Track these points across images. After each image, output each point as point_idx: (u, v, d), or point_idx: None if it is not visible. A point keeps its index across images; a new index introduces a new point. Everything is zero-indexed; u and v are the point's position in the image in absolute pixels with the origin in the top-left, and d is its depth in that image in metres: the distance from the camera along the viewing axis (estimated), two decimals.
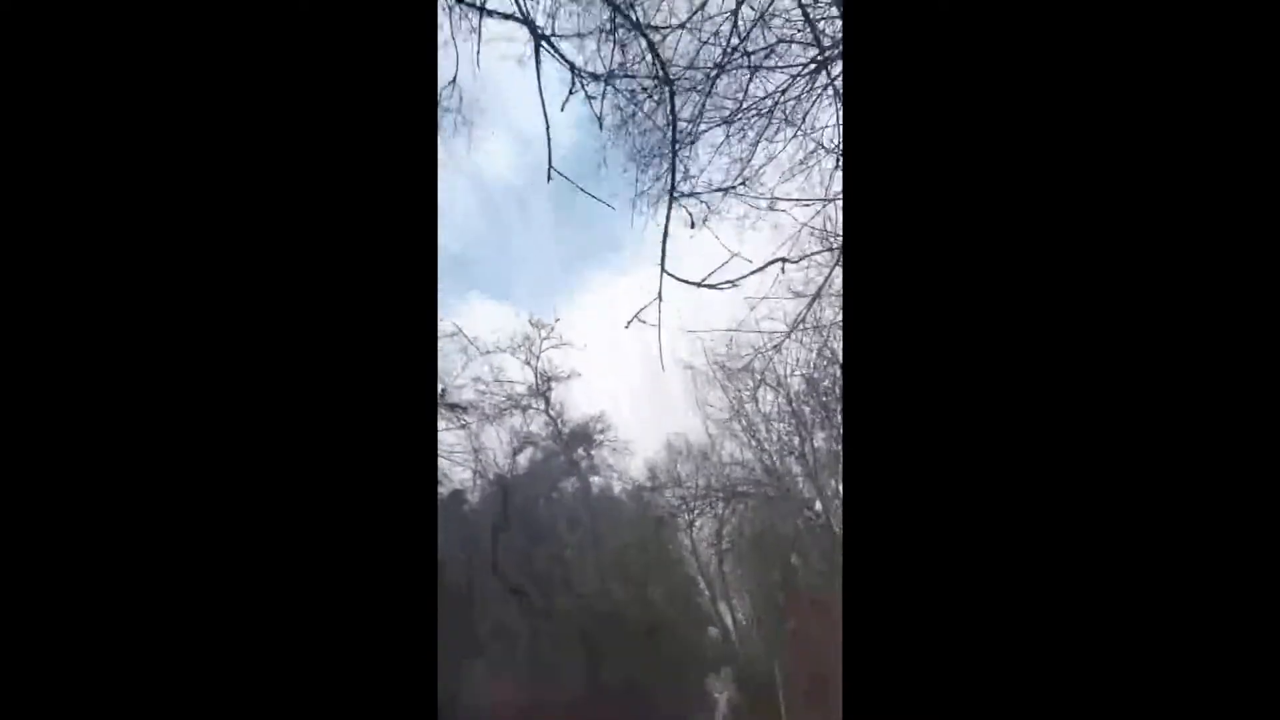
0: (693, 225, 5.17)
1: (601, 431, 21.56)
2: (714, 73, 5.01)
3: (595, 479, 22.15)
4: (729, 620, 23.09)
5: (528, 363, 21.44)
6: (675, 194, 5.04)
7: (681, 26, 4.71)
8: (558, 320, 20.31)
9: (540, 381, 21.03)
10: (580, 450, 21.48)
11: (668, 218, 4.95)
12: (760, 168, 5.64)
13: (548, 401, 21.25)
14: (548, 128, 4.43)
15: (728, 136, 5.41)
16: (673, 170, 4.93)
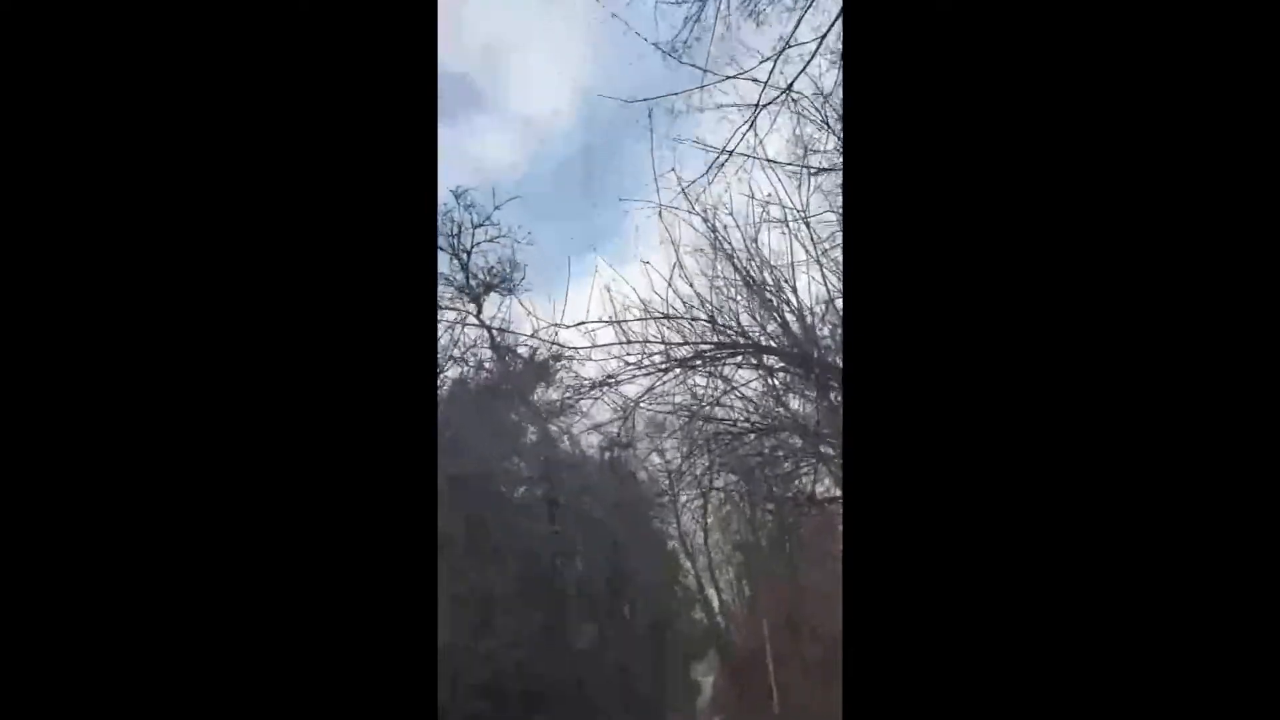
0: None
1: (564, 367, 16.64)
2: None
3: (553, 428, 16.44)
4: (715, 602, 21.90)
5: (454, 255, 14.95)
6: None
7: None
8: (498, 208, 14.27)
9: (474, 284, 14.96)
10: (538, 388, 15.57)
11: None
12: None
13: (479, 306, 15.39)
14: None
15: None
16: None
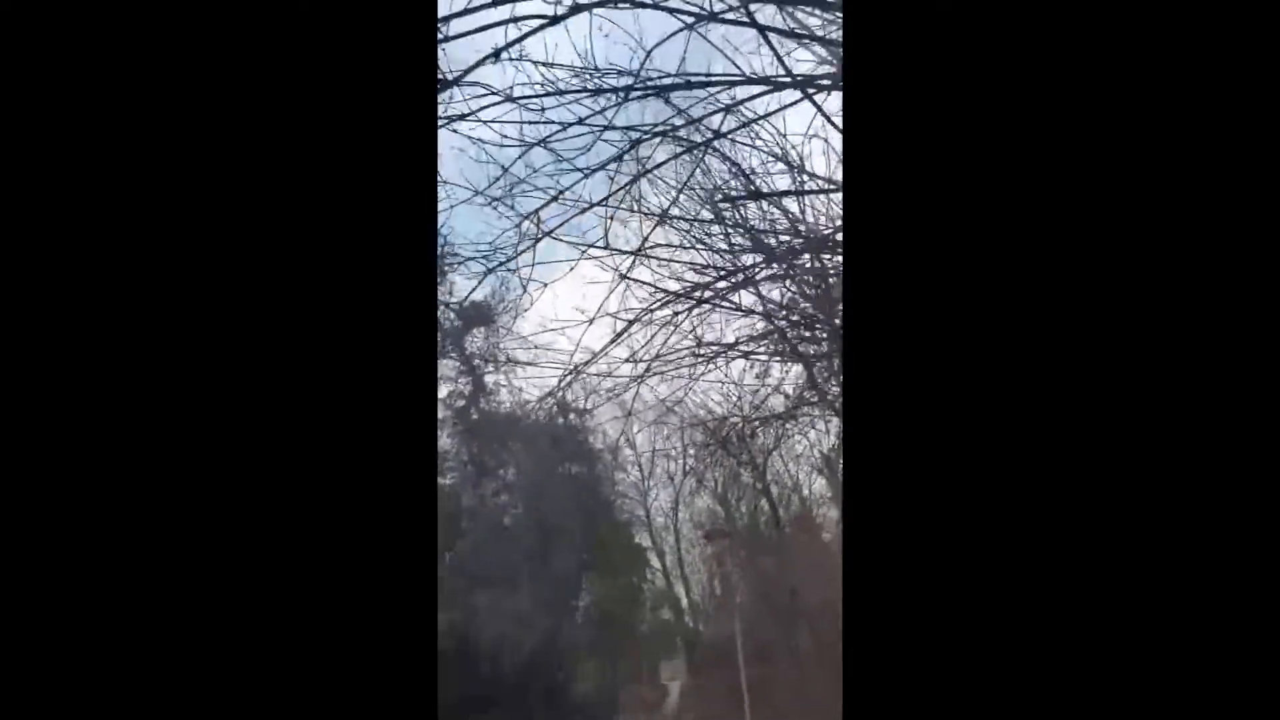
0: None
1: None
2: None
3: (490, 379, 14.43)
4: (684, 599, 19.67)
5: None
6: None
7: None
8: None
9: None
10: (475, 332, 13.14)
11: None
12: None
13: None
14: None
15: None
16: None
